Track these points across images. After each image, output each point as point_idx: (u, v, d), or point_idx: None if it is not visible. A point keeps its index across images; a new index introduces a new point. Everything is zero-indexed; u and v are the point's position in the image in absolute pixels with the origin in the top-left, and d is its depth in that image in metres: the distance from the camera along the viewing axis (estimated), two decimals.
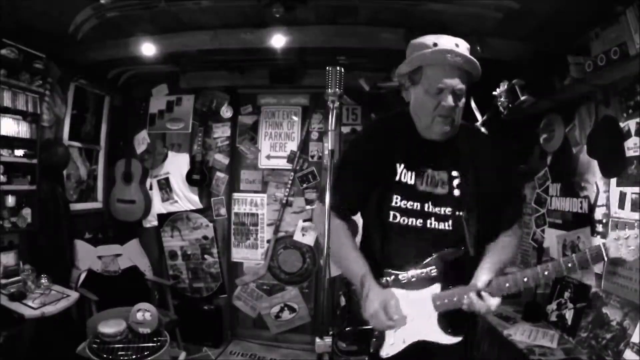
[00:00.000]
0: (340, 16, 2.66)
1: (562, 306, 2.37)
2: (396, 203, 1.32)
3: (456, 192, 1.31)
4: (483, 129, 2.29)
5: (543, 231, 2.70)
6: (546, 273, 1.17)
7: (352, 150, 1.48)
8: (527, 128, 2.93)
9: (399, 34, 2.72)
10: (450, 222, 1.32)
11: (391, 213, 1.33)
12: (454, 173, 1.32)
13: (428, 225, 1.32)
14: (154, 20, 2.69)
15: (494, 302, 1.20)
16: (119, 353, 2.46)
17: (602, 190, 2.20)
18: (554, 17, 2.23)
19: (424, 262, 1.30)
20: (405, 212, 1.32)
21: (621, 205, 2.05)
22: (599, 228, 2.20)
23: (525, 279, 1.20)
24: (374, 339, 1.34)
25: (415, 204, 1.32)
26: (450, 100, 1.22)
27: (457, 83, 1.22)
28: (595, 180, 2.24)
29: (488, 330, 2.44)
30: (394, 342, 1.32)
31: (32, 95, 2.93)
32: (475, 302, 1.20)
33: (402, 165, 1.33)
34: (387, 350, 1.32)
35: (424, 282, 1.30)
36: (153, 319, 2.71)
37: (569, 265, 1.15)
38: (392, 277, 1.33)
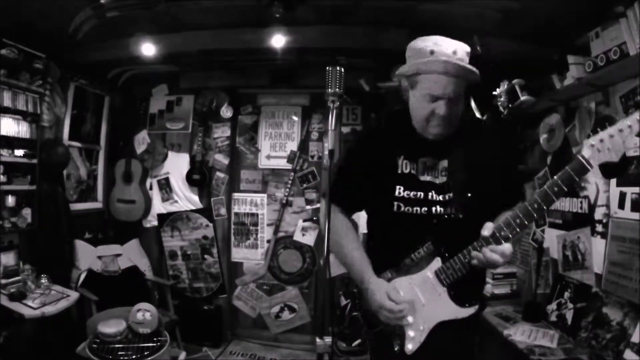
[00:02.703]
0: (340, 16, 2.67)
1: (562, 306, 2.37)
2: (399, 193, 1.33)
3: (455, 179, 1.33)
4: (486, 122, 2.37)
5: (543, 231, 2.70)
6: (535, 206, 1.13)
7: (354, 148, 1.52)
8: (527, 128, 2.93)
9: (399, 34, 2.72)
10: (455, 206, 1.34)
11: (395, 204, 1.34)
12: (452, 161, 1.34)
13: (433, 212, 1.33)
14: (154, 20, 2.70)
15: (506, 247, 1.17)
16: (119, 353, 2.46)
17: (602, 190, 2.20)
18: (554, 17, 2.23)
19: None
20: (408, 201, 1.33)
21: (621, 205, 2.05)
22: (599, 228, 2.21)
23: (525, 213, 1.14)
24: (396, 338, 1.35)
25: (419, 193, 1.33)
26: (443, 108, 1.22)
27: (450, 91, 1.21)
28: (595, 180, 2.24)
29: (488, 331, 2.44)
30: (414, 334, 1.32)
31: (32, 95, 2.94)
32: (488, 253, 1.17)
33: (402, 157, 1.35)
34: (411, 345, 1.32)
35: (424, 261, 1.31)
36: (153, 319, 2.71)
37: (555, 189, 1.10)
38: (394, 267, 1.34)
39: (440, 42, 1.20)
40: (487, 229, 1.19)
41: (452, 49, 1.19)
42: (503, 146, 1.41)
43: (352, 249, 1.39)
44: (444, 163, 1.34)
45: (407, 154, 1.35)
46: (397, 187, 1.33)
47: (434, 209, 1.33)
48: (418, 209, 1.33)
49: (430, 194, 1.33)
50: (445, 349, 1.31)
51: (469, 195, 1.30)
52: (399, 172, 1.35)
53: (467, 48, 1.23)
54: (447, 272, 1.27)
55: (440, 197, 1.33)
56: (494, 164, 1.33)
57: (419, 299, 1.31)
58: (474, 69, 1.20)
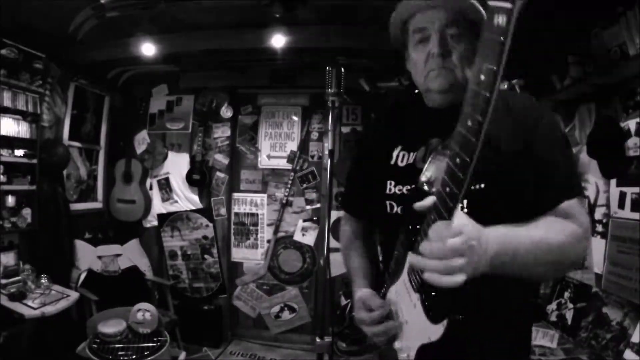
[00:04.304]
0: (340, 16, 2.67)
1: (562, 306, 2.37)
2: (390, 190, 1.06)
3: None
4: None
5: None
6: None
7: (359, 146, 1.37)
8: None
9: None
10: (465, 201, 0.90)
11: (387, 204, 1.07)
12: None
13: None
14: (154, 20, 2.70)
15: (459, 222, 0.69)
16: (119, 353, 2.46)
17: (602, 190, 2.21)
18: (554, 17, 2.23)
19: None
20: (402, 198, 1.04)
21: (621, 205, 2.05)
22: (599, 228, 2.21)
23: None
24: None
25: (414, 186, 0.98)
26: (436, 45, 0.94)
27: (439, 23, 0.94)
28: (595, 180, 2.24)
29: None
30: None
31: (32, 95, 2.94)
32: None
33: (399, 148, 1.09)
34: None
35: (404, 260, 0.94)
36: (153, 319, 2.71)
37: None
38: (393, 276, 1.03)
39: None
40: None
41: None
42: (545, 122, 0.97)
43: (352, 259, 1.23)
44: None
45: (405, 142, 1.08)
46: (389, 182, 1.07)
47: None
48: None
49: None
50: None
51: (481, 186, 0.92)
52: (392, 163, 1.08)
53: None
54: (414, 271, 0.88)
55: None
56: (530, 144, 0.93)
57: (401, 313, 0.96)
58: None
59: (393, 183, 1.06)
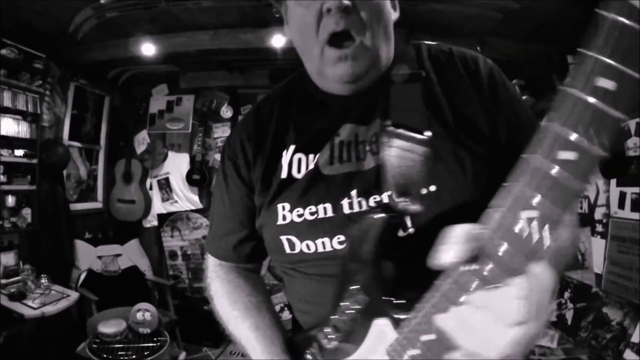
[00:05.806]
0: None
1: (562, 306, 2.38)
2: (284, 219, 0.69)
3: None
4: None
5: None
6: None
7: (223, 157, 0.82)
8: None
9: (398, 34, 2.72)
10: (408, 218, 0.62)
11: (283, 240, 0.70)
12: (397, 114, 0.67)
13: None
14: (154, 20, 2.70)
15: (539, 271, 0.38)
16: (119, 353, 2.46)
17: (602, 190, 2.21)
18: (554, 17, 2.23)
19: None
20: (305, 229, 0.68)
21: (621, 205, 2.05)
22: (599, 228, 2.21)
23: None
24: None
25: (323, 206, 0.66)
26: None
27: None
28: (595, 180, 2.24)
29: None
30: None
31: (32, 95, 2.94)
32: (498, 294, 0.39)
33: (292, 149, 0.72)
34: None
35: (359, 328, 0.58)
36: (153, 319, 2.71)
37: None
38: (314, 347, 0.65)
39: None
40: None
41: None
42: (497, 79, 0.69)
43: (241, 323, 0.77)
44: (374, 129, 0.68)
45: (300, 139, 0.72)
46: (281, 206, 0.70)
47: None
48: (327, 240, 0.66)
49: (345, 199, 0.66)
50: None
51: (430, 189, 0.61)
52: (283, 177, 0.71)
53: None
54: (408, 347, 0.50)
55: (372, 201, 0.65)
56: (480, 126, 0.65)
57: None
58: None
59: (287, 206, 0.69)
